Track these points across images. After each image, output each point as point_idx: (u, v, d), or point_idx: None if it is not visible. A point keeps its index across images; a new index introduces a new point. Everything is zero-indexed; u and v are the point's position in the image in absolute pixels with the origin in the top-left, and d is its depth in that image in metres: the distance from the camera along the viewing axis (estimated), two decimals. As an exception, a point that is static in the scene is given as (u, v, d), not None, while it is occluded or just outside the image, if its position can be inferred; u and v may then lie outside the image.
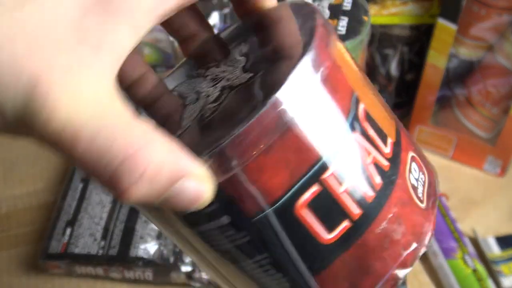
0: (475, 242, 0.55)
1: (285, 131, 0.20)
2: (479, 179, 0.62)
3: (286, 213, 0.21)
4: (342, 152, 0.22)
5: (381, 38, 0.62)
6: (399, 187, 0.23)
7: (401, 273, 0.23)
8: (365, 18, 0.52)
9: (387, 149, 0.23)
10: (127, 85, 0.27)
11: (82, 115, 0.18)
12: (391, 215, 0.23)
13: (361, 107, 0.23)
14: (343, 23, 0.51)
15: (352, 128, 0.22)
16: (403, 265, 0.23)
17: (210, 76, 0.25)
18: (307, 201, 0.21)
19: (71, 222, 0.56)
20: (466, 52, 0.58)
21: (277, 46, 0.24)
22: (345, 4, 0.53)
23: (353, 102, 0.22)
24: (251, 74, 0.23)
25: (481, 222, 0.58)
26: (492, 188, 0.61)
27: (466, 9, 0.54)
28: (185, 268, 0.51)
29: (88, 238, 0.54)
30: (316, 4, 0.53)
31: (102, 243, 0.53)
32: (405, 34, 0.61)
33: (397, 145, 0.24)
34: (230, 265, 0.24)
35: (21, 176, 0.65)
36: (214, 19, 0.62)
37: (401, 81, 0.65)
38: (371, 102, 0.24)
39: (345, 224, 0.22)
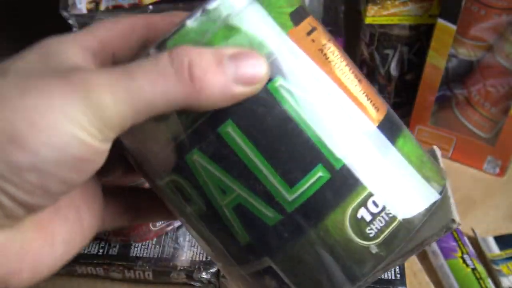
0: (474, 241, 0.55)
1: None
2: (479, 179, 0.62)
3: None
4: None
5: (380, 38, 0.62)
6: None
7: None
8: None
9: None
10: None
11: None
12: None
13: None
14: None
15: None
16: None
17: None
18: None
19: (71, 222, 0.56)
20: (466, 52, 0.58)
21: None
22: None
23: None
24: None
25: (481, 222, 0.58)
26: (492, 188, 0.62)
27: (465, 9, 0.54)
28: (185, 268, 0.51)
29: (88, 238, 0.54)
30: None
31: (103, 243, 0.54)
32: (405, 34, 0.61)
33: None
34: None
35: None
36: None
37: (401, 81, 0.65)
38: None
39: None
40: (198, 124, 0.22)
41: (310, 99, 0.22)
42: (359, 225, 0.22)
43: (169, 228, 0.54)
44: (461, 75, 0.60)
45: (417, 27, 0.61)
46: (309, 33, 0.23)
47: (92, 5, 0.57)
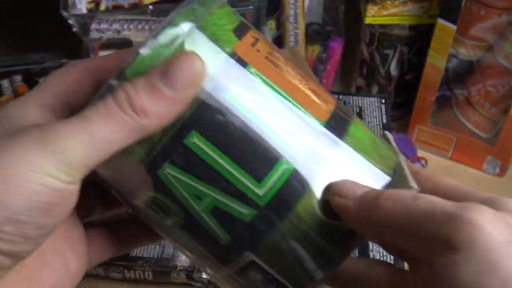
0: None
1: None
2: (479, 179, 0.62)
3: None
4: None
5: (380, 38, 0.62)
6: None
7: None
8: None
9: None
10: None
11: None
12: None
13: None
14: None
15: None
16: None
17: None
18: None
19: (71, 222, 0.56)
20: (466, 52, 0.58)
21: None
22: None
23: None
24: None
25: (481, 222, 0.58)
26: (492, 188, 0.61)
27: (465, 9, 0.54)
28: (185, 268, 0.51)
29: (88, 238, 0.54)
30: None
31: (102, 243, 0.54)
32: (405, 34, 0.62)
33: None
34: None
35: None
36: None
37: (401, 81, 0.65)
38: None
39: None
40: (165, 142, 0.24)
41: (263, 103, 0.24)
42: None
43: (169, 228, 0.54)
44: (461, 75, 0.60)
45: (417, 27, 0.61)
46: (253, 44, 0.25)
47: (92, 5, 0.57)
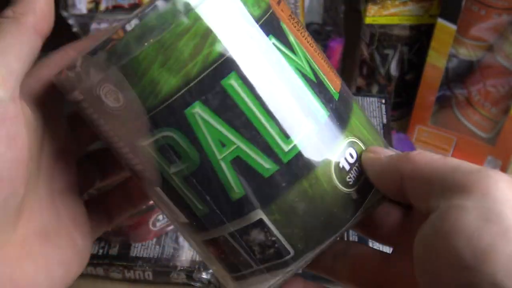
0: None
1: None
2: (479, 179, 0.62)
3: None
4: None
5: (380, 38, 0.62)
6: None
7: None
8: None
9: None
10: None
11: None
12: None
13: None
14: None
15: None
16: None
17: None
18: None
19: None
20: (466, 52, 0.58)
21: None
22: None
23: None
24: None
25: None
26: (492, 188, 0.61)
27: (465, 9, 0.54)
28: (185, 268, 0.51)
29: (88, 238, 0.54)
30: None
31: (102, 243, 0.53)
32: (405, 34, 0.62)
33: None
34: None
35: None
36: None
37: (401, 81, 0.65)
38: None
39: None
40: (202, 77, 0.22)
41: (296, 59, 0.24)
42: (342, 174, 0.24)
43: (169, 228, 0.54)
44: (461, 75, 0.60)
45: (417, 27, 0.61)
46: (278, 3, 0.25)
47: (92, 5, 0.57)
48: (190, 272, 0.51)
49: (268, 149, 0.23)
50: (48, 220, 0.25)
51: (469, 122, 0.61)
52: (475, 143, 0.62)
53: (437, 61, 0.58)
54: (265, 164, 0.23)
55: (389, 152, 0.25)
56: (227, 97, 0.22)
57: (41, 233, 0.25)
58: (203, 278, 0.51)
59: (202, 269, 0.51)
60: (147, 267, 0.52)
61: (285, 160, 0.23)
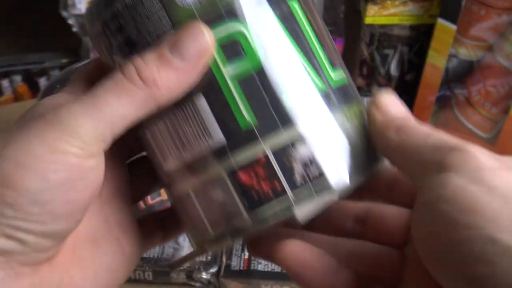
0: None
1: None
2: (479, 179, 0.62)
3: None
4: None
5: (380, 38, 0.62)
6: None
7: None
8: None
9: None
10: None
11: None
12: None
13: None
14: None
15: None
16: None
17: None
18: None
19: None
20: (466, 52, 0.58)
21: None
22: None
23: None
24: None
25: (481, 222, 0.58)
26: (492, 188, 0.61)
27: (465, 9, 0.54)
28: (185, 268, 0.51)
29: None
30: None
31: (102, 243, 0.54)
32: (405, 34, 0.62)
33: None
34: None
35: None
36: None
37: (401, 81, 0.65)
38: None
39: None
40: None
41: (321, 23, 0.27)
42: (365, 119, 0.26)
43: (169, 228, 0.54)
44: (461, 75, 0.60)
45: (417, 27, 0.61)
46: None
47: (92, 5, 0.57)
48: (190, 272, 0.51)
49: (320, 70, 0.25)
50: (97, 226, 0.25)
51: (469, 122, 0.61)
52: (475, 143, 0.61)
53: (437, 61, 0.58)
54: (318, 83, 0.25)
55: (393, 107, 0.25)
56: (291, 14, 0.25)
57: (91, 239, 0.25)
58: (203, 278, 0.51)
59: (202, 269, 0.51)
60: (147, 267, 0.52)
61: (333, 85, 0.25)
